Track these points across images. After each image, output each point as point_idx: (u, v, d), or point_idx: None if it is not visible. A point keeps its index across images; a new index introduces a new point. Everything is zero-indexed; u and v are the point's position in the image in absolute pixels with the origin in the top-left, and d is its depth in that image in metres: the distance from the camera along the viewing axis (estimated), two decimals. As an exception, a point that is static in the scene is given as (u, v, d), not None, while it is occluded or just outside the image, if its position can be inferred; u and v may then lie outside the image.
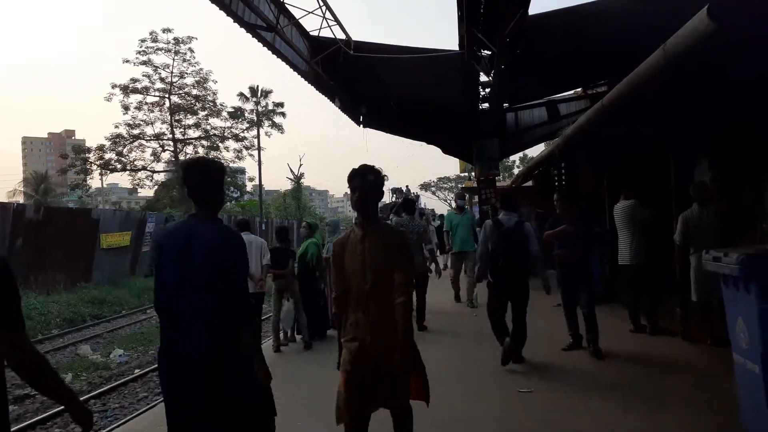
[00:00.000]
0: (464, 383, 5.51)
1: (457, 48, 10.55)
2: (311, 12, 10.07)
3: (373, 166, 3.19)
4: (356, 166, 3.20)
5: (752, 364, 3.48)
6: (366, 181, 3.12)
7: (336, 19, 10.45)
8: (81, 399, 2.84)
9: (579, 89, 15.42)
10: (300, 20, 10.43)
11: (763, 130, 6.68)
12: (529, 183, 17.66)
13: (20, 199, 49.29)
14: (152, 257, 3.89)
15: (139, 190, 39.42)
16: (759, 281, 3.39)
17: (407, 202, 9.28)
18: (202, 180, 2.84)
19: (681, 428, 4.11)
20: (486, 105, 14.37)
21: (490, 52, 10.14)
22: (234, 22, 8.91)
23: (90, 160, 34.94)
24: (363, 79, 12.68)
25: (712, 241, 5.90)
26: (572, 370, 5.65)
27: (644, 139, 7.96)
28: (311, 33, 11.06)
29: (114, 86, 33.95)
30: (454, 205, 12.49)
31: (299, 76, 11.54)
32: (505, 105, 14.67)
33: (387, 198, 46.10)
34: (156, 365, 9.57)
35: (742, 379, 3.70)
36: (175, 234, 2.80)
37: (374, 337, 3.03)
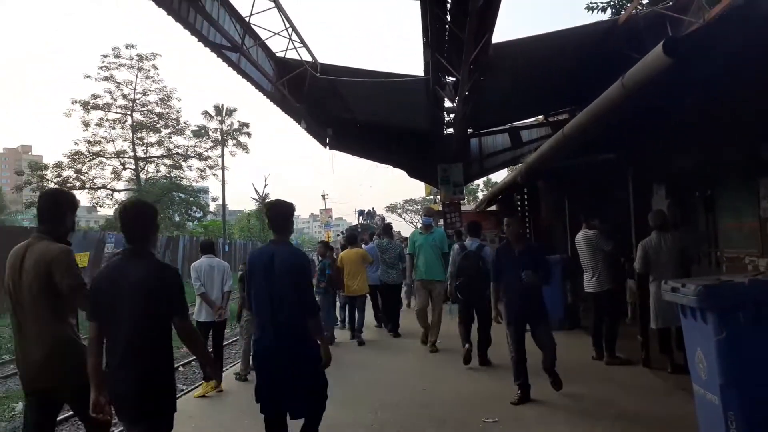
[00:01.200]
0: (430, 410, 5.43)
1: (422, 73, 10.67)
2: (277, 33, 10.06)
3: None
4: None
5: (711, 395, 3.50)
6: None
7: (302, 41, 10.46)
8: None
9: (540, 116, 15.77)
10: (266, 41, 10.40)
11: (715, 159, 6.89)
12: (493, 207, 17.85)
13: (-29, 217, 47.50)
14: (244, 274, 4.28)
15: (99, 208, 38.41)
16: (716, 312, 3.42)
17: (386, 227, 11.18)
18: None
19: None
20: (450, 130, 14.54)
21: (454, 79, 10.27)
22: (198, 41, 8.82)
23: (47, 177, 33.88)
24: (329, 102, 12.69)
25: (671, 269, 6.02)
26: (536, 398, 5.62)
27: (603, 166, 8.12)
28: (277, 54, 11.04)
29: (74, 102, 33.16)
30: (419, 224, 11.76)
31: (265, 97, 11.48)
32: (469, 130, 14.87)
33: (353, 219, 46.02)
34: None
35: (702, 409, 3.71)
36: (261, 256, 3.89)
37: None
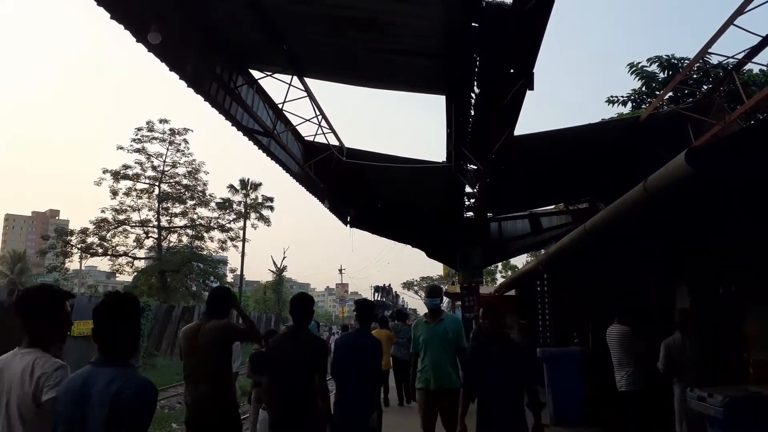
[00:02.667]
0: None
1: (444, 159, 10.96)
2: (308, 120, 10.49)
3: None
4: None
5: None
6: None
7: (331, 127, 10.88)
8: None
9: (561, 204, 15.93)
10: (296, 126, 10.84)
11: (738, 261, 6.86)
12: (512, 292, 17.71)
13: (-6, 278, 48.24)
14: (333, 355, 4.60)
15: (118, 275, 38.82)
16: (743, 426, 3.36)
17: (399, 312, 13.04)
18: None
19: None
20: (470, 213, 14.71)
21: (476, 167, 10.53)
22: (232, 125, 9.24)
23: (71, 243, 34.59)
24: (353, 183, 13.00)
25: (695, 371, 5.89)
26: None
27: (625, 262, 8.13)
28: (306, 138, 11.46)
29: (105, 171, 34.36)
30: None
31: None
32: (489, 215, 15.03)
33: (369, 295, 45.68)
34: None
35: None
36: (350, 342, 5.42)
37: None
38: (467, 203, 14.26)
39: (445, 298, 13.11)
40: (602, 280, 9.74)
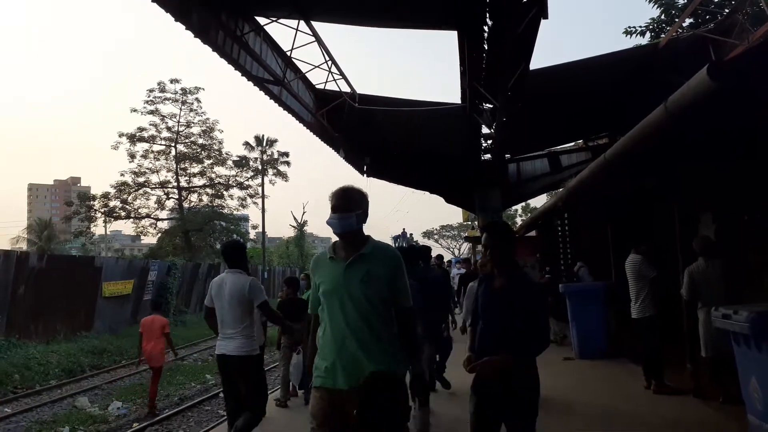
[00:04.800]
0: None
1: (459, 100, 10.76)
2: (317, 66, 10.33)
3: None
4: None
5: (768, 426, 3.40)
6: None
7: (341, 73, 10.71)
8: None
9: (580, 141, 15.64)
10: (306, 74, 10.69)
11: (764, 183, 6.71)
12: (533, 233, 17.68)
13: (23, 246, 49.51)
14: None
15: (142, 237, 39.53)
16: (770, 340, 3.34)
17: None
18: None
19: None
20: (488, 156, 14.54)
21: (491, 105, 10.33)
22: (242, 75, 9.13)
23: (94, 208, 35.14)
24: (367, 131, 12.88)
25: (719, 296, 5.86)
26: (582, 426, 5.50)
27: (647, 192, 8.01)
28: (317, 86, 11.32)
29: (121, 135, 34.46)
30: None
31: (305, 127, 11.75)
32: (507, 156, 14.84)
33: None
34: (155, 419, 9.49)
35: (758, 441, 3.60)
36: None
37: None
38: (484, 145, 14.07)
39: (464, 243, 12.54)
40: (623, 214, 9.65)
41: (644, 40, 13.97)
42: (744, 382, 3.71)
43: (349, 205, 3.05)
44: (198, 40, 7.91)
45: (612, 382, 7.46)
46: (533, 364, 3.37)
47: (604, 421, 5.72)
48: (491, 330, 3.47)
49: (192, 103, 35.63)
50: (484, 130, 12.69)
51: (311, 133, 12.19)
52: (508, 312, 3.38)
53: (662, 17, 13.78)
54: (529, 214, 34.89)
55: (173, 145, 35.76)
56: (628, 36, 14.18)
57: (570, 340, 9.83)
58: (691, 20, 12.23)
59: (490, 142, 13.50)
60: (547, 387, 6.13)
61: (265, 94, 9.81)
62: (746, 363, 3.67)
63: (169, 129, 35.56)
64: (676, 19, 12.90)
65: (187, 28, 7.60)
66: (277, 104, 10.22)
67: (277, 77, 9.61)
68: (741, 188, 7.21)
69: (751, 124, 5.15)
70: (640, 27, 14.06)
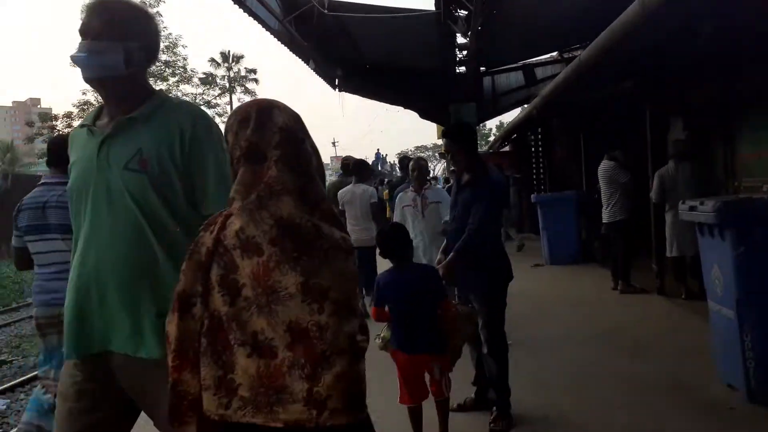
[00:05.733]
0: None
1: (433, 8, 10.38)
2: (284, -33, 9.75)
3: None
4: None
5: (727, 310, 3.54)
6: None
7: (310, -24, 10.15)
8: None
9: (555, 53, 15.37)
10: (272, -24, 10.10)
11: (734, 89, 6.72)
12: (507, 148, 17.71)
13: (-15, 170, 47.98)
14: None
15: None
16: (734, 227, 3.42)
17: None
18: None
19: (658, 374, 4.18)
20: (463, 68, 14.24)
21: (466, 12, 10.00)
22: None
23: (57, 128, 33.95)
24: (338, 41, 12.40)
25: (687, 197, 5.98)
26: (550, 323, 5.71)
27: (620, 99, 7.97)
28: (284, -10, 10.74)
29: (80, 51, 32.79)
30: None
31: (272, 37, 11.25)
32: (482, 69, 14.54)
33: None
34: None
35: (717, 326, 3.77)
36: None
37: None
38: (459, 56, 13.74)
39: (438, 164, 12.53)
40: (596, 121, 9.67)
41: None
42: (706, 270, 3.84)
43: (108, 29, 1.71)
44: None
45: (581, 284, 7.72)
46: (492, 254, 3.58)
47: (573, 320, 5.94)
48: (456, 226, 3.63)
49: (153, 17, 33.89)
50: (460, 40, 12.36)
51: (280, 47, 11.70)
52: (468, 208, 3.50)
53: None
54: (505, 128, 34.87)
55: (135, 61, 34.23)
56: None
57: (538, 251, 10.08)
58: None
59: (465, 53, 13.17)
60: (517, 291, 6.36)
61: (228, -3, 9.27)
62: (710, 252, 3.77)
63: (130, 44, 33.92)
64: None
65: None
66: (241, 9, 9.69)
67: (241, -21, 9.06)
68: (713, 95, 7.21)
69: (725, 26, 5.06)
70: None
